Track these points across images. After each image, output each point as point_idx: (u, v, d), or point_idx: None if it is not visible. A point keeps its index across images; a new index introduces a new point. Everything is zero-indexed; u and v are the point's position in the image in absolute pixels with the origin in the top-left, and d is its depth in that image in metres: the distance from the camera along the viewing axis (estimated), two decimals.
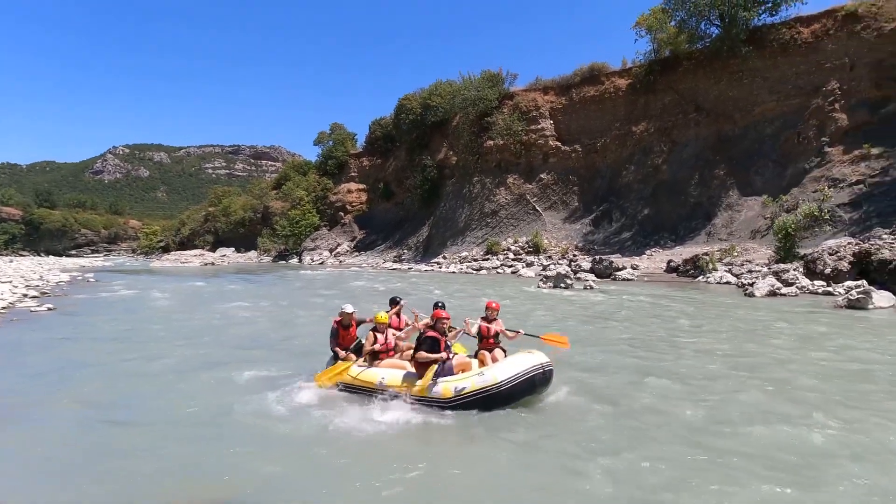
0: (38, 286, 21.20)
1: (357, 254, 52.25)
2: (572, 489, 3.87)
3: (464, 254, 38.27)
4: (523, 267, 30.31)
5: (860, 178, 23.86)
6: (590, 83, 38.04)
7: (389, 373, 6.01)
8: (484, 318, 6.64)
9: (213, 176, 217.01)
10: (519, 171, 39.76)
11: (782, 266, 18.47)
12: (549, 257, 32.33)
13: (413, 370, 5.90)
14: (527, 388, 5.48)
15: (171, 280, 28.71)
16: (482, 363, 6.08)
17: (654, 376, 6.67)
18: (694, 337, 9.64)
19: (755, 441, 4.60)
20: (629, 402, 5.75)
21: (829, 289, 15.55)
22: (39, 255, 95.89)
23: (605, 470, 4.11)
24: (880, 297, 12.85)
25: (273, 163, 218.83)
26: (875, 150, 24.18)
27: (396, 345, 6.67)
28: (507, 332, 6.55)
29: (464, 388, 5.41)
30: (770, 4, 29.28)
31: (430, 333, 5.81)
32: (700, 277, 21.60)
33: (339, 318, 6.87)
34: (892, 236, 18.10)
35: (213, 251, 66.74)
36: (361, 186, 59.81)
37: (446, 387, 5.49)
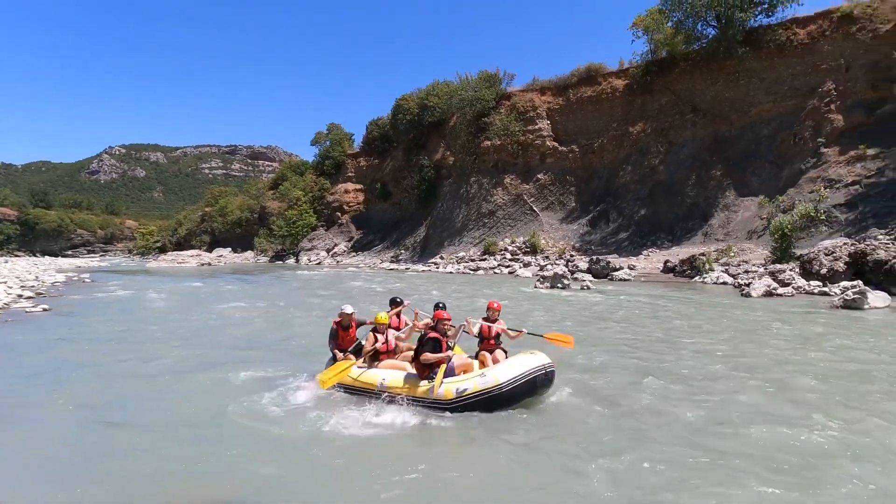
0: (33, 287, 21.07)
1: (354, 254, 52.20)
2: (573, 490, 3.86)
3: (461, 254, 38.28)
4: (520, 267, 30.31)
5: (856, 179, 23.97)
6: (587, 84, 38.13)
7: (390, 374, 5.95)
8: (485, 319, 6.58)
9: (210, 176, 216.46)
10: (516, 172, 39.80)
11: (778, 266, 18.53)
12: (547, 257, 32.35)
13: (414, 371, 5.86)
14: (529, 390, 5.43)
15: (168, 280, 28.62)
16: (483, 364, 6.02)
17: (653, 377, 6.67)
18: (692, 337, 9.65)
19: (755, 442, 4.60)
20: (629, 403, 5.75)
21: (825, 289, 15.60)
22: (35, 256, 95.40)
23: (606, 471, 4.10)
24: (876, 298, 12.90)
25: (270, 163, 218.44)
26: (871, 151, 24.29)
27: (396, 345, 6.63)
28: (510, 332, 6.49)
29: (465, 390, 5.36)
30: (766, 6, 29.44)
31: (432, 335, 5.77)
32: (697, 278, 21.65)
33: (338, 319, 6.81)
34: (888, 237, 18.18)
35: (210, 251, 66.61)
36: (358, 186, 59.78)
37: (448, 388, 5.43)
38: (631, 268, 25.26)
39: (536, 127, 39.18)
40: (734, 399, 5.78)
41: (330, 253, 53.88)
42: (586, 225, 35.52)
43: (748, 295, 15.79)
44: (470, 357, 6.37)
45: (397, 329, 6.94)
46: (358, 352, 6.65)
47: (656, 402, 5.76)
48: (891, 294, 13.88)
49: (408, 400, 5.58)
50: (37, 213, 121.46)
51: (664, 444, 4.60)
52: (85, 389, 6.79)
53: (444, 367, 5.61)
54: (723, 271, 21.56)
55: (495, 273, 30.61)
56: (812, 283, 16.50)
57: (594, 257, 26.44)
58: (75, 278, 29.17)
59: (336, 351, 6.70)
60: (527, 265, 30.88)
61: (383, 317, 6.50)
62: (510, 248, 35.94)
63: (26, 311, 14.17)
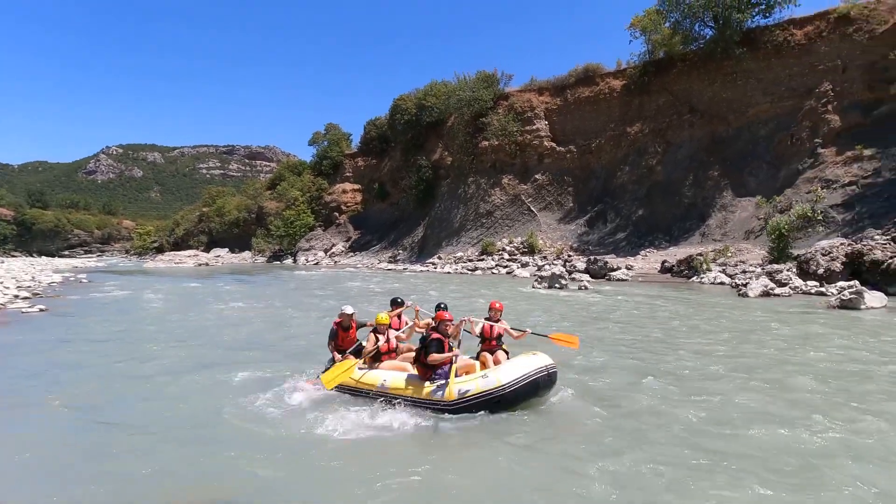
0: (29, 287, 21.01)
1: (352, 254, 52.15)
2: (574, 492, 3.86)
3: (459, 254, 38.28)
4: (518, 267, 30.33)
5: (853, 180, 24.05)
6: (584, 84, 38.18)
7: (391, 375, 5.91)
8: (487, 319, 6.50)
9: (208, 176, 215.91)
10: (514, 172, 39.82)
11: (776, 266, 18.57)
12: (544, 258, 32.38)
13: (415, 372, 5.82)
14: (531, 391, 5.39)
15: (165, 281, 28.55)
16: (484, 365, 5.94)
17: (653, 377, 6.67)
18: (691, 337, 9.66)
19: (755, 442, 4.61)
20: (629, 404, 5.74)
21: (822, 289, 15.65)
22: (32, 256, 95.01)
23: (607, 472, 4.10)
24: (872, 298, 12.94)
25: (268, 163, 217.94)
26: (867, 152, 24.37)
27: (397, 346, 6.60)
28: (513, 332, 6.43)
29: (468, 391, 5.31)
30: (763, 6, 29.53)
31: (435, 336, 5.72)
32: (694, 278, 21.70)
33: (338, 320, 6.76)
34: (884, 237, 18.23)
35: (208, 252, 66.46)
36: (356, 187, 59.72)
37: (450, 389, 5.38)
38: (628, 268, 25.30)
39: (534, 127, 39.21)
40: (734, 400, 5.78)
41: (328, 253, 53.82)
42: (584, 225, 35.55)
43: (745, 295, 15.82)
44: (471, 358, 6.31)
45: (397, 330, 6.90)
46: (358, 352, 6.60)
47: (656, 402, 5.76)
48: (887, 294, 13.93)
49: (409, 401, 5.54)
50: (33, 213, 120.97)
51: (665, 445, 4.61)
52: (82, 390, 6.77)
53: (455, 366, 5.55)
54: (720, 271, 21.61)
55: (493, 273, 30.62)
56: (809, 283, 16.55)
57: (592, 257, 26.47)
58: (72, 279, 29.08)
59: (335, 352, 6.65)
60: (524, 265, 30.90)
61: (384, 317, 6.47)
62: (508, 248, 35.95)
63: (22, 312, 14.13)
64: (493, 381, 5.31)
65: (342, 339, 6.71)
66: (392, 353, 6.52)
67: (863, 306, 12.60)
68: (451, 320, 5.95)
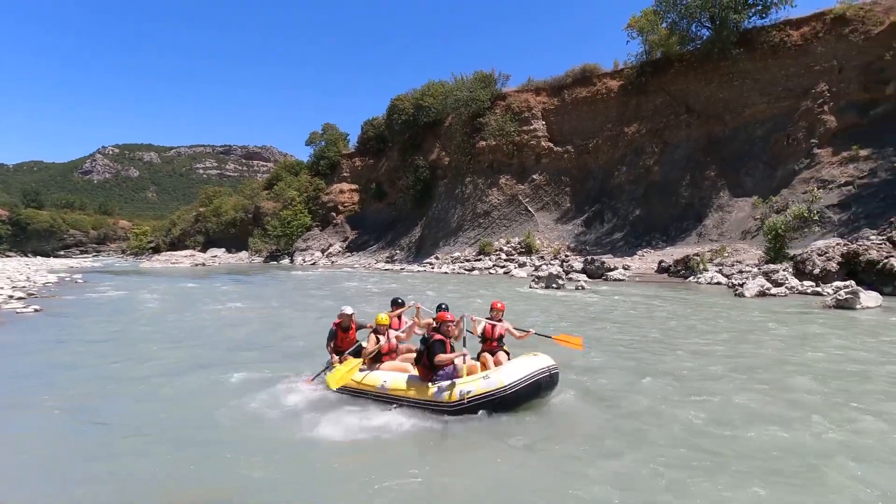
0: (24, 287, 20.90)
1: (349, 254, 52.08)
2: (575, 493, 3.85)
3: (456, 254, 38.27)
4: (515, 267, 30.34)
5: (849, 180, 24.14)
6: (582, 84, 38.23)
7: (392, 376, 5.86)
8: (488, 319, 6.43)
9: (204, 176, 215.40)
10: (511, 172, 39.84)
11: (772, 266, 18.62)
12: (542, 258, 32.39)
13: (416, 374, 5.77)
14: (533, 392, 5.35)
15: (161, 281, 28.44)
16: (484, 366, 5.87)
17: (652, 377, 6.67)
18: (689, 337, 9.67)
19: (756, 443, 4.61)
20: (629, 405, 5.73)
21: (818, 289, 15.70)
22: (27, 256, 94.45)
23: (607, 473, 4.09)
24: (868, 297, 12.99)
25: (265, 163, 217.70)
26: (863, 152, 24.47)
27: (397, 346, 6.55)
28: (516, 332, 6.37)
29: (469, 392, 5.25)
30: (760, 7, 29.60)
31: (438, 337, 5.65)
32: (691, 278, 21.74)
33: (338, 321, 6.71)
34: (880, 237, 18.29)
35: (204, 252, 66.23)
36: (353, 187, 59.65)
37: (458, 390, 5.31)
38: (626, 268, 25.32)
39: (531, 127, 39.24)
40: (733, 400, 5.78)
41: (325, 253, 53.73)
42: (581, 225, 35.59)
43: (742, 295, 15.86)
44: (472, 359, 6.26)
45: (397, 331, 6.85)
46: (357, 354, 6.54)
47: (656, 403, 5.74)
48: (882, 294, 14.00)
49: (410, 403, 5.49)
50: (28, 213, 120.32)
51: (664, 445, 4.60)
52: (77, 391, 6.72)
53: (465, 367, 5.50)
54: (717, 271, 21.66)
55: (490, 273, 30.62)
56: (805, 283, 16.60)
57: (589, 257, 26.49)
58: (67, 279, 28.94)
59: (333, 354, 6.59)
60: (522, 265, 30.91)
61: (384, 318, 6.42)
62: (505, 248, 35.96)
63: (17, 312, 14.04)
64: (494, 382, 5.25)
65: (341, 339, 6.65)
66: (392, 353, 6.47)
67: (858, 306, 12.65)
68: (452, 321, 5.87)
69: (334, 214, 58.93)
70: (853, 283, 14.11)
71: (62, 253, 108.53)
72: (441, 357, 5.51)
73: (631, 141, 34.68)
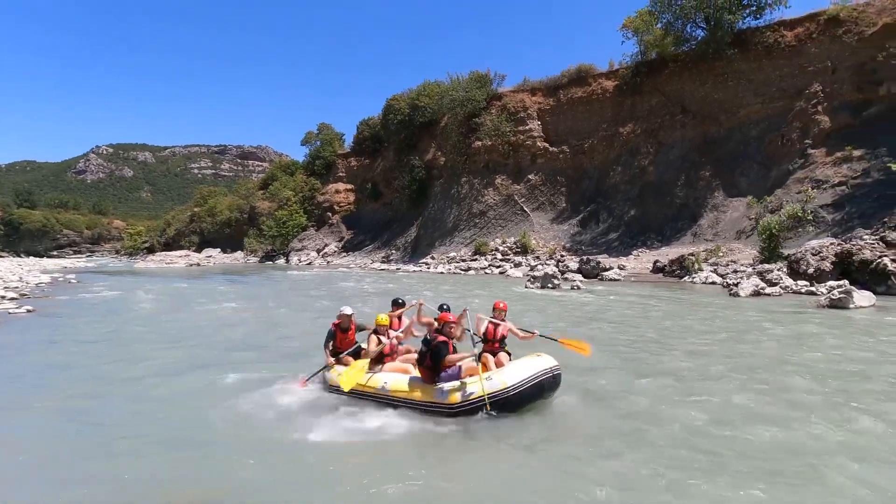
0: (16, 287, 20.71)
1: (345, 254, 51.98)
2: (575, 494, 3.83)
3: (452, 254, 38.26)
4: (511, 267, 30.37)
5: (842, 180, 24.29)
6: (577, 84, 38.30)
7: (392, 377, 5.80)
8: (490, 319, 6.32)
9: (199, 176, 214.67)
10: (507, 172, 39.87)
11: (766, 266, 18.71)
12: (537, 258, 32.42)
13: (417, 375, 5.71)
14: (536, 393, 5.29)
15: (156, 281, 28.29)
16: (485, 367, 5.73)
17: (650, 378, 6.67)
18: (685, 337, 9.68)
19: (755, 443, 4.61)
20: (628, 405, 5.72)
21: (812, 288, 15.79)
22: (19, 256, 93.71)
23: (607, 473, 4.08)
24: (861, 297, 13.06)
25: (260, 163, 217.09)
26: (857, 153, 24.63)
27: (396, 347, 6.49)
28: (519, 332, 6.26)
29: (472, 393, 5.19)
30: (754, 8, 29.78)
31: (441, 338, 5.55)
32: (686, 278, 21.80)
33: (337, 321, 6.63)
34: (873, 237, 18.40)
35: (199, 252, 65.96)
36: (349, 187, 59.55)
37: (454, 392, 5.26)
38: (621, 268, 25.39)
39: (527, 127, 39.28)
40: (732, 400, 5.78)
41: (320, 253, 53.62)
42: (577, 225, 35.66)
43: (736, 295, 15.92)
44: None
45: (397, 331, 6.78)
46: (356, 354, 6.48)
47: (655, 403, 5.74)
48: (876, 293, 14.07)
49: (412, 404, 5.43)
50: (21, 212, 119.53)
51: (664, 446, 4.59)
52: (70, 392, 6.65)
53: (479, 366, 5.40)
54: (711, 271, 21.73)
55: (486, 273, 30.63)
56: (799, 282, 16.68)
57: (584, 257, 26.54)
58: (61, 279, 28.73)
59: (330, 356, 6.49)
60: (517, 265, 30.94)
61: (384, 318, 6.33)
62: (501, 248, 35.98)
63: (9, 313, 13.90)
64: (497, 383, 5.18)
65: (340, 340, 6.57)
66: (392, 354, 6.40)
67: (852, 305, 12.71)
68: (455, 322, 5.77)
69: (330, 214, 58.80)
70: (847, 282, 14.19)
71: (55, 253, 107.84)
72: (451, 357, 5.43)
73: (626, 141, 34.77)
